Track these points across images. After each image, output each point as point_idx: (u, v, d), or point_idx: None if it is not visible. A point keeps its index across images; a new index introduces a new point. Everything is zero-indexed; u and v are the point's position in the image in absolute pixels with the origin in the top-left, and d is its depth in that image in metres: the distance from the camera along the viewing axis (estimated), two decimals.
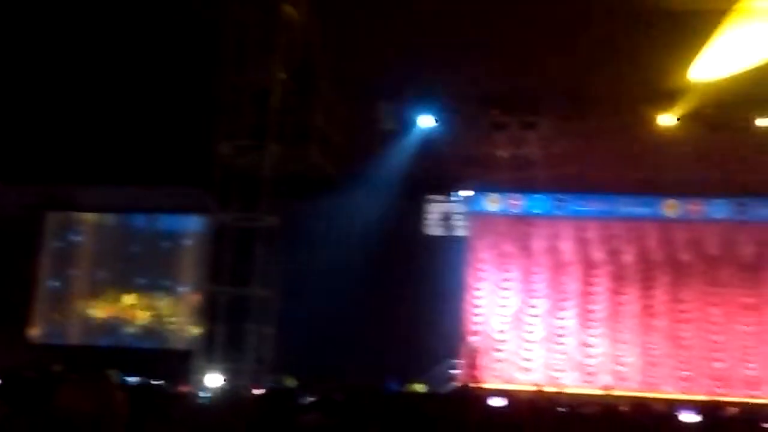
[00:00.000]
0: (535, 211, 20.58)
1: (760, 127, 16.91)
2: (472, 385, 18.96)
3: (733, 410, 13.89)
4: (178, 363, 17.28)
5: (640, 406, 11.64)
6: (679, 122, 17.38)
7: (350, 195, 18.20)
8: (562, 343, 20.26)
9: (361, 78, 15.41)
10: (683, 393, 19.33)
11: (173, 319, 21.97)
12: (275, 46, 15.45)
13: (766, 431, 10.67)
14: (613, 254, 20.37)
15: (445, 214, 20.66)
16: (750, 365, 19.60)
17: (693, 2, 14.28)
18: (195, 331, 19.08)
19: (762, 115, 16.90)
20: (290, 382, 16.05)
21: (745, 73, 15.71)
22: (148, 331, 22.02)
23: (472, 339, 20.23)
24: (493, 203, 20.66)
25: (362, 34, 14.43)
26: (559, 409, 11.98)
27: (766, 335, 19.70)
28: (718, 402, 16.08)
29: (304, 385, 15.37)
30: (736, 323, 19.85)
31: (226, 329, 16.72)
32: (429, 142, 17.66)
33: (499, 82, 16.03)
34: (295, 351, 17.43)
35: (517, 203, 20.60)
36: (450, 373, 19.73)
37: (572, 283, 20.45)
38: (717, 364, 19.77)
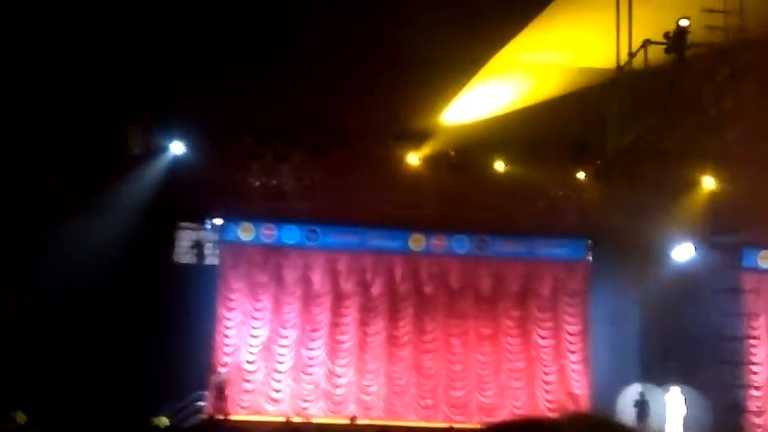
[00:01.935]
0: (288, 241, 20.70)
1: (498, 171, 18.02)
2: (219, 417, 18.68)
3: None
4: None
5: None
6: (426, 161, 18.15)
7: (95, 220, 17.39)
8: (310, 374, 20.42)
9: (108, 100, 14.81)
10: (424, 420, 20.09)
11: None
12: None
13: None
14: (363, 286, 20.88)
15: (196, 242, 20.27)
16: (486, 393, 20.72)
17: (445, 50, 14.97)
18: None
19: (500, 159, 18.03)
20: (20, 418, 15.05)
21: (488, 119, 16.68)
22: None
23: (220, 370, 19.92)
24: (245, 233, 20.56)
25: (113, 55, 13.89)
26: None
27: (500, 364, 20.93)
28: (455, 429, 16.86)
29: (36, 420, 14.49)
30: (474, 352, 20.95)
31: None
32: (181, 169, 17.25)
33: (253, 112, 15.98)
34: (28, 384, 16.32)
35: (270, 233, 20.63)
36: (197, 406, 19.29)
37: (322, 314, 20.71)
38: (456, 392, 20.74)
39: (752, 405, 20.68)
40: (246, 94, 15.37)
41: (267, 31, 14.00)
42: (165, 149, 16.64)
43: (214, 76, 14.63)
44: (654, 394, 19.77)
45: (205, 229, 20.33)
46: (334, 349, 20.67)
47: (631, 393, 19.76)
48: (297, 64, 14.84)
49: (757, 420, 20.50)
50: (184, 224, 20.22)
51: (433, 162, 18.05)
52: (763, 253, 21.48)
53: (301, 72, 15.03)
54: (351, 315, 20.83)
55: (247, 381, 20.21)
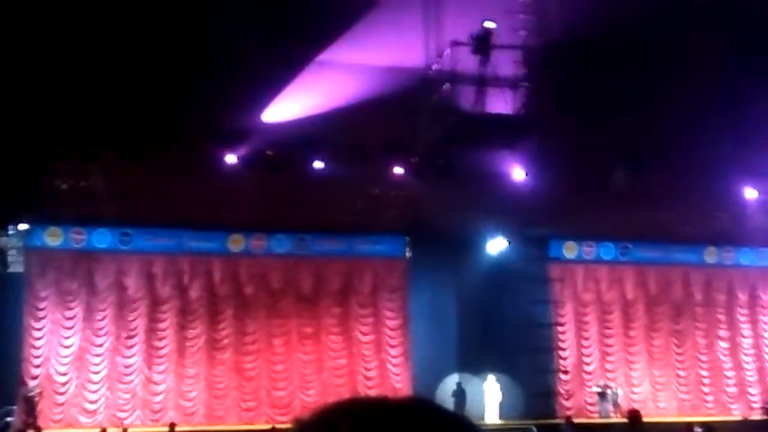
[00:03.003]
0: (99, 245, 19.85)
1: (317, 169, 18.09)
2: None
3: None
4: None
5: None
6: (243, 161, 17.92)
7: None
8: (127, 382, 19.71)
9: None
10: (247, 423, 19.86)
11: None
12: None
13: None
14: (180, 289, 20.34)
15: None
16: (309, 392, 20.71)
17: (263, 51, 14.85)
18: None
19: (318, 157, 18.10)
20: None
21: (305, 118, 16.69)
22: None
23: (30, 382, 18.90)
24: (53, 238, 19.55)
25: None
26: None
27: (322, 362, 20.98)
28: (277, 429, 16.76)
29: None
30: (296, 352, 20.89)
31: None
32: None
33: (58, 111, 15.22)
34: None
35: (79, 238, 19.71)
36: (6, 421, 18.22)
37: (138, 320, 20.02)
38: (279, 393, 20.61)
39: (562, 389, 21.77)
40: (52, 92, 14.66)
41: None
42: None
43: (15, 73, 13.87)
44: (471, 383, 20.44)
45: (8, 235, 19.17)
46: (151, 356, 20.03)
47: (449, 383, 20.34)
48: (106, 63, 14.32)
49: (566, 403, 21.59)
50: None
51: (251, 162, 17.88)
52: (568, 243, 22.65)
53: (110, 70, 14.50)
54: (169, 320, 20.23)
55: (60, 393, 19.26)
